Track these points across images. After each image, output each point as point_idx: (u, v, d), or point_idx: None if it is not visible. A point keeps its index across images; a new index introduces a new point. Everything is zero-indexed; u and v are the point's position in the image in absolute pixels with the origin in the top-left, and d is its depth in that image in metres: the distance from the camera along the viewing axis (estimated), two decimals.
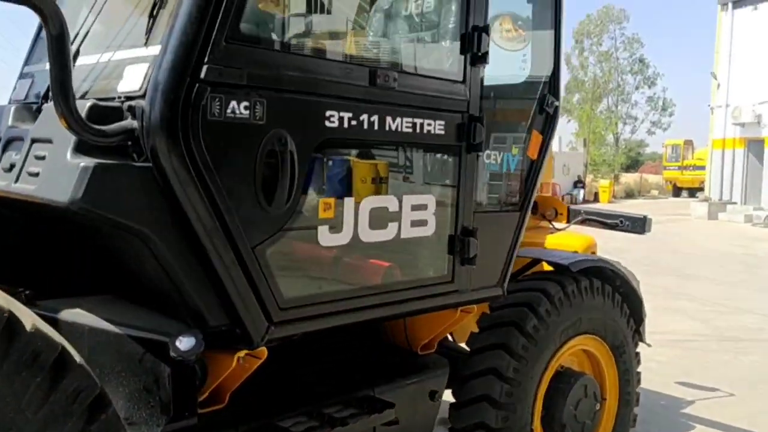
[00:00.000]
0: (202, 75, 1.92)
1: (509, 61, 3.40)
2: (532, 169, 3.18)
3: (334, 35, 2.73)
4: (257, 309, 2.14)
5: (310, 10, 2.65)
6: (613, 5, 43.66)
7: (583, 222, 4.84)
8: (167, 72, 1.89)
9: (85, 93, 2.11)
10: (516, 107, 3.39)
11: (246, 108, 2.02)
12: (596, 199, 30.38)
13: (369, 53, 2.86)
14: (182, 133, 1.90)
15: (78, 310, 2.21)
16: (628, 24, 45.53)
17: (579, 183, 29.97)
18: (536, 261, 3.88)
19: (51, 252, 2.44)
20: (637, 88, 44.06)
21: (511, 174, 3.14)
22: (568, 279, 3.53)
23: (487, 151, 3.01)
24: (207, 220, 1.99)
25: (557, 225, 4.72)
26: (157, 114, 1.88)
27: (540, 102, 3.19)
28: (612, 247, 7.58)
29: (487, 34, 2.73)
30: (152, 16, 2.04)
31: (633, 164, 51.80)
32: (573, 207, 4.88)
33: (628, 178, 40.01)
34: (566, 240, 4.71)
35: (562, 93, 3.24)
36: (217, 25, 1.94)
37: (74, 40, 2.21)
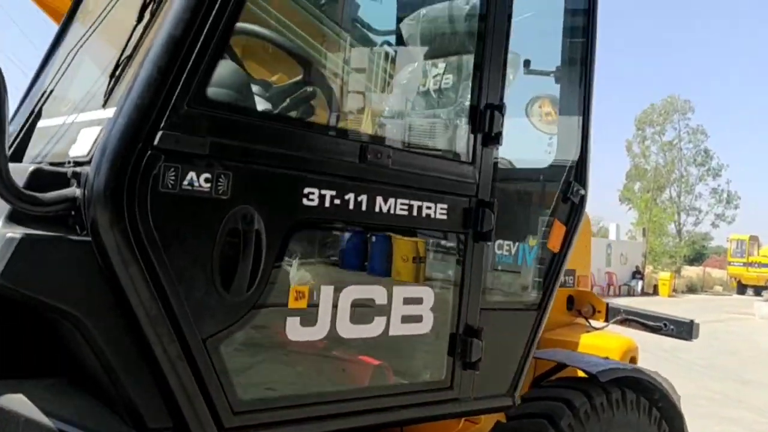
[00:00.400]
0: (156, 141, 1.71)
1: (532, 144, 3.14)
2: (554, 264, 2.84)
3: (321, 105, 2.52)
4: (205, 412, 1.85)
5: (298, 80, 2.46)
6: (678, 95, 43.23)
7: (623, 322, 4.43)
8: (117, 136, 1.69)
9: (39, 156, 1.94)
10: (536, 193, 3.09)
11: (207, 180, 1.80)
12: (655, 292, 29.17)
13: (361, 126, 2.64)
14: (128, 204, 1.68)
15: (19, 396, 1.96)
16: (692, 115, 44.91)
17: (637, 274, 28.94)
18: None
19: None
20: (700, 180, 42.96)
21: (528, 268, 2.81)
22: (597, 389, 3.13)
23: (499, 241, 2.70)
24: (150, 305, 1.74)
25: (594, 324, 4.33)
26: (101, 182, 1.67)
27: (564, 189, 2.89)
28: (669, 345, 7.00)
29: (501, 113, 2.47)
30: (114, 77, 1.87)
31: (697, 257, 49.97)
32: (612, 305, 4.47)
33: (691, 272, 38.49)
34: (603, 341, 4.27)
35: (591, 180, 2.93)
36: (179, 88, 1.74)
37: (40, 99, 2.06)
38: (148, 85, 1.72)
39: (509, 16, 2.56)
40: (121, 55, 1.91)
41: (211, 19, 1.79)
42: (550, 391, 3.20)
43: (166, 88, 1.73)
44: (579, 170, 2.93)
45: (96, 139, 1.75)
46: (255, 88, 2.51)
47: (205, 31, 1.78)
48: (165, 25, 1.76)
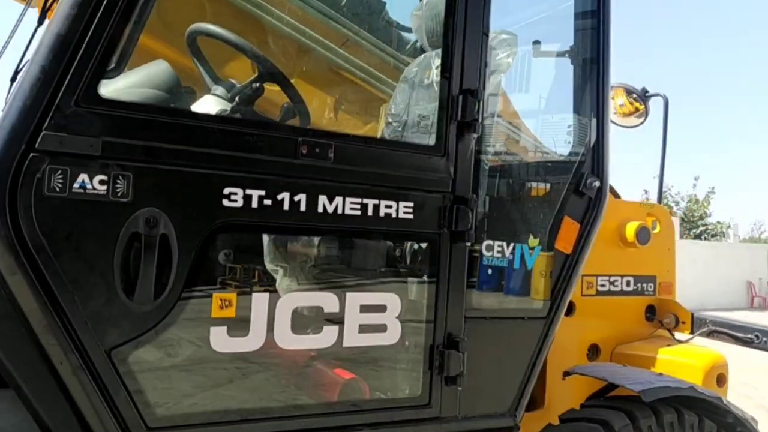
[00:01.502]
0: (38, 144, 1.64)
1: (548, 134, 2.79)
2: (565, 267, 2.49)
3: (269, 102, 2.37)
4: (115, 427, 1.74)
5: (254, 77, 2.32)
6: None
7: (710, 334, 3.89)
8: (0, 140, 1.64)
9: None
10: (540, 188, 2.74)
11: (102, 182, 1.70)
12: None
13: (295, 115, 2.45)
14: (9, 210, 1.62)
15: None
16: None
17: None
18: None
19: None
20: None
21: (529, 272, 2.48)
22: (644, 410, 2.72)
23: (488, 242, 2.40)
24: (43, 313, 1.66)
25: (678, 336, 3.84)
26: None
27: (576, 182, 2.52)
28: None
29: (477, 98, 2.20)
30: (14, 80, 1.84)
31: None
32: (699, 315, 3.94)
33: None
34: (685, 356, 3.76)
35: (611, 170, 2.54)
36: (64, 87, 1.67)
37: None
38: (31, 86, 1.65)
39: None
40: (23, 56, 1.88)
41: (99, 14, 1.71)
42: (588, 411, 2.82)
43: (51, 87, 1.66)
44: (595, 160, 2.55)
45: None
46: (218, 90, 2.42)
47: (93, 27, 1.70)
48: (52, 22, 1.70)
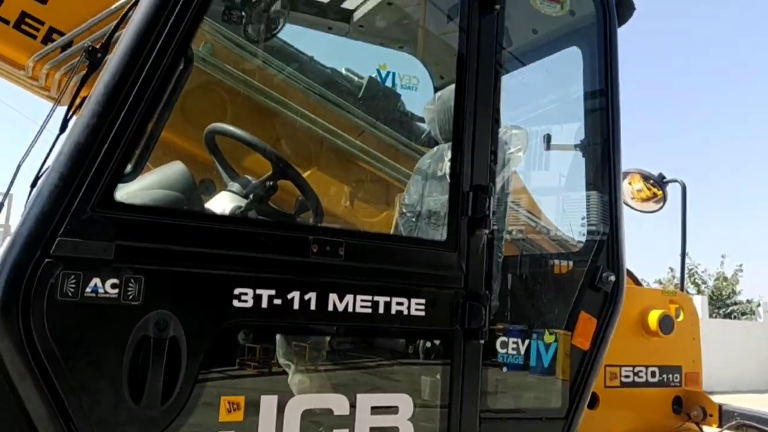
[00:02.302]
0: (53, 249, 1.67)
1: (563, 226, 2.79)
2: (584, 364, 2.43)
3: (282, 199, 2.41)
4: None
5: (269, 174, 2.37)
6: None
7: (739, 428, 3.74)
8: (16, 245, 1.67)
9: None
10: (556, 282, 2.71)
11: (114, 286, 1.72)
12: None
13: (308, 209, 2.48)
14: (22, 316, 1.63)
15: None
16: None
17: None
18: None
19: None
20: None
21: (545, 369, 2.42)
22: None
23: (502, 338, 2.36)
24: (50, 420, 1.66)
25: (707, 430, 3.69)
26: None
27: (591, 275, 2.50)
28: None
29: (487, 194, 2.21)
30: (33, 186, 1.89)
31: None
32: (727, 407, 3.80)
33: None
34: None
35: (627, 265, 2.51)
36: (81, 193, 1.72)
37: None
38: (49, 193, 1.71)
39: (496, 89, 2.35)
40: (44, 162, 1.95)
41: (118, 124, 1.77)
42: None
43: (69, 194, 1.71)
44: (609, 253, 2.53)
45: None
46: (234, 186, 2.47)
47: (112, 136, 1.76)
48: (73, 131, 1.77)
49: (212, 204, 2.38)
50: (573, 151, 2.75)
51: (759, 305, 23.42)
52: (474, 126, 2.30)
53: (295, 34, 3.65)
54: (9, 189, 2.28)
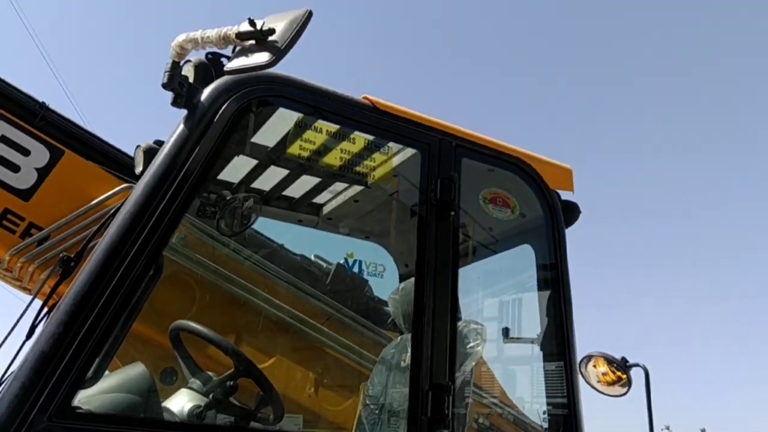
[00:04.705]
0: None
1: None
2: None
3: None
4: None
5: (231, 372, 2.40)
6: None
7: None
8: None
9: None
10: None
11: None
12: None
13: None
14: None
15: None
16: None
17: None
18: None
19: None
20: None
21: None
22: None
23: None
24: None
25: None
26: None
27: None
28: None
29: (447, 394, 2.25)
30: None
31: None
32: None
33: None
34: None
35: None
36: (40, 402, 1.73)
37: None
38: (9, 402, 1.73)
39: (453, 288, 2.47)
40: (6, 369, 1.97)
41: (83, 332, 1.83)
42: None
43: (28, 403, 1.73)
44: (569, 428, 2.54)
45: None
46: (195, 383, 2.48)
47: (76, 345, 1.81)
48: (39, 338, 1.82)
49: (172, 402, 2.37)
50: (530, 344, 2.83)
51: None
52: (433, 322, 2.38)
53: (266, 225, 3.83)
54: None
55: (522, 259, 3.06)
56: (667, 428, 23.27)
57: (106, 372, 2.17)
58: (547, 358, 2.83)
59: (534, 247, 3.00)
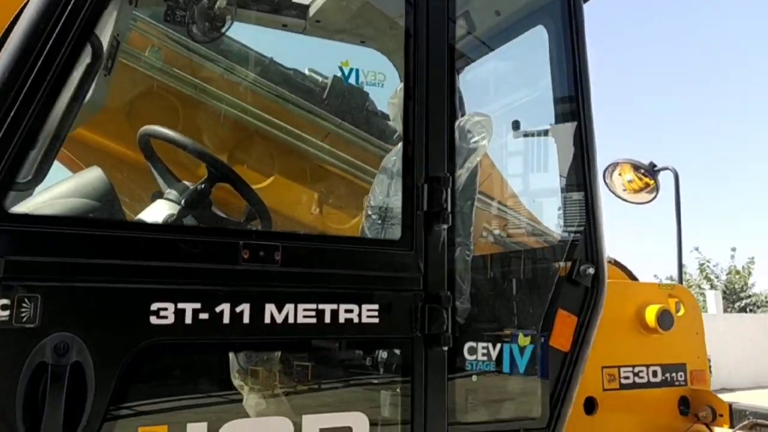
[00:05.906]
0: None
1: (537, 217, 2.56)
2: (565, 367, 2.18)
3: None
4: None
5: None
6: None
7: (752, 428, 3.49)
8: None
9: None
10: (529, 279, 2.47)
11: (5, 307, 1.50)
12: None
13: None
14: None
15: None
16: None
17: None
18: None
19: None
20: None
21: (521, 375, 2.18)
22: None
23: (470, 344, 2.13)
24: None
25: (718, 430, 3.46)
26: None
27: (569, 270, 2.26)
28: None
29: (444, 186, 1.99)
30: None
31: None
32: (737, 406, 3.55)
33: None
34: None
35: (606, 255, 2.28)
36: None
37: None
38: None
39: (450, 73, 2.13)
40: None
41: (6, 126, 1.56)
42: None
43: None
44: (588, 244, 2.29)
45: None
46: (171, 194, 2.26)
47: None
48: None
49: (146, 213, 2.16)
50: (543, 137, 2.52)
51: None
52: (426, 113, 2.08)
53: (252, 37, 3.46)
54: None
55: (535, 47, 2.68)
56: (696, 249, 23.52)
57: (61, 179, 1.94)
58: (562, 159, 2.53)
59: (548, 28, 2.60)
